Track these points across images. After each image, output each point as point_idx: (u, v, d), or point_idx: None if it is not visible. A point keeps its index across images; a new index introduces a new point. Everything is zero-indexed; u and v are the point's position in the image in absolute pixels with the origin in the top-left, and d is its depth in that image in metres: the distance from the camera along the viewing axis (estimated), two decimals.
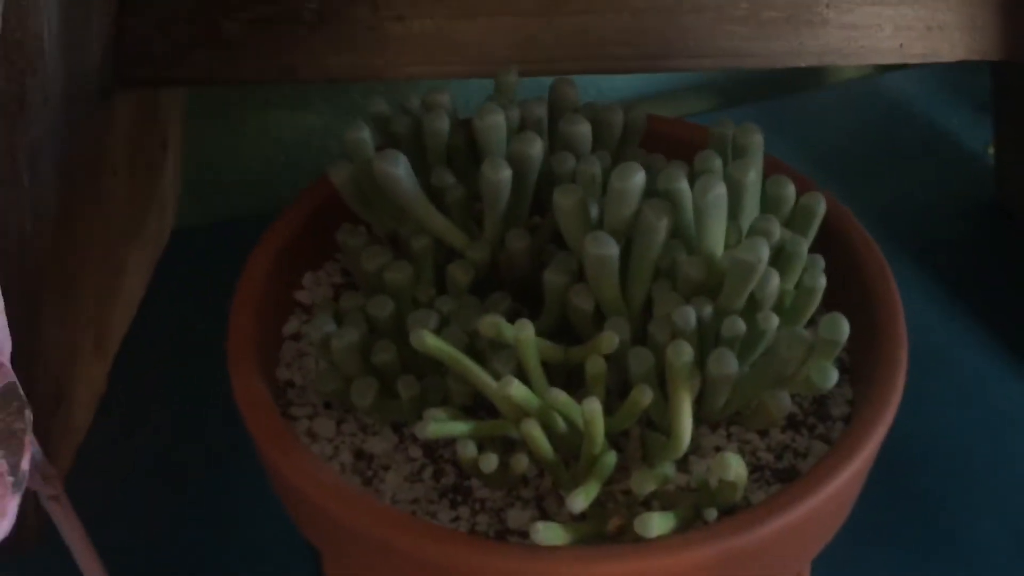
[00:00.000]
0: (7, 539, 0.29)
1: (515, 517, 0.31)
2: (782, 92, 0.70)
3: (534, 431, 0.29)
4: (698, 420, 0.33)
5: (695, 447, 0.33)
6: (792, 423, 0.34)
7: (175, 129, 0.55)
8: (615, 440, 0.32)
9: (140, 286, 0.53)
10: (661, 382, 0.31)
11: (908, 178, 0.62)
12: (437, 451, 0.33)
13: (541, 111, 0.36)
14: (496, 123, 0.34)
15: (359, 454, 0.33)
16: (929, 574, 0.42)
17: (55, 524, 0.36)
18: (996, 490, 0.45)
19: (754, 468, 0.32)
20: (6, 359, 0.32)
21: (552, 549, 0.28)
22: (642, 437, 0.33)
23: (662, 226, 0.31)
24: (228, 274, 0.43)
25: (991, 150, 0.61)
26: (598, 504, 0.31)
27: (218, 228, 0.58)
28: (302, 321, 0.37)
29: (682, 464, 0.32)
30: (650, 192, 0.32)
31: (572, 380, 0.33)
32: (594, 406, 0.29)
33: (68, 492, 0.35)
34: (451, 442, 0.33)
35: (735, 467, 0.28)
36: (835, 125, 0.68)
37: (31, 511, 0.43)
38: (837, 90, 0.71)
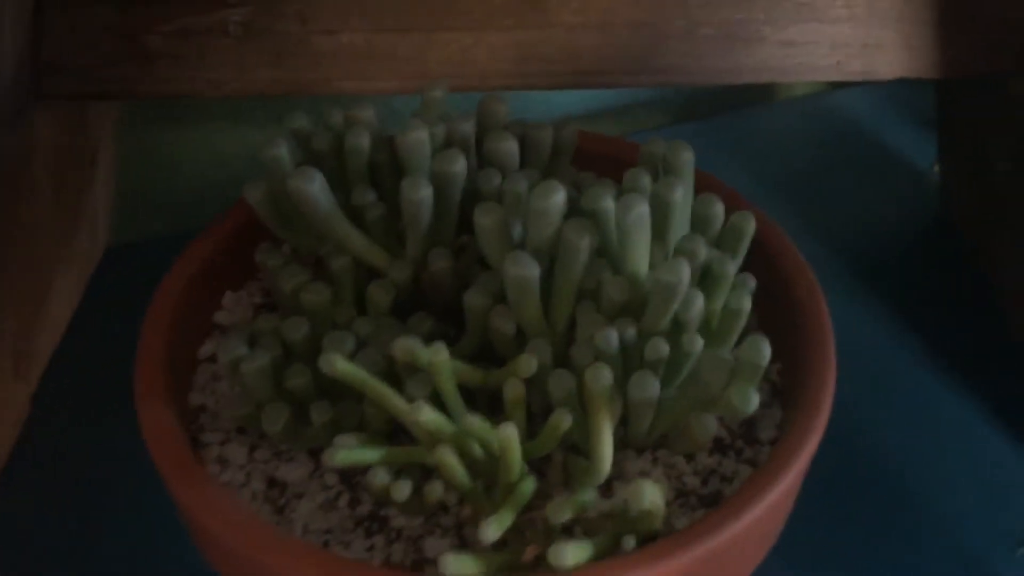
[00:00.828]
0: None
1: (433, 546, 0.30)
2: (731, 108, 0.70)
3: (448, 458, 0.28)
4: (623, 444, 0.32)
5: (619, 472, 0.32)
6: (720, 447, 0.33)
7: (106, 144, 0.54)
8: (537, 465, 0.31)
9: (68, 306, 0.52)
10: (584, 406, 0.30)
11: (855, 194, 0.61)
12: (354, 478, 0.32)
13: (468, 128, 0.35)
14: (419, 140, 0.33)
15: (272, 482, 0.32)
16: None
17: None
18: (941, 512, 0.44)
19: (679, 493, 0.32)
20: None
21: None
22: (564, 462, 0.32)
23: (584, 246, 0.30)
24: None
25: (936, 167, 0.61)
26: (517, 531, 0.30)
27: (155, 244, 0.57)
28: (218, 344, 0.36)
29: (606, 489, 0.31)
30: (576, 211, 0.31)
31: (495, 404, 0.32)
32: (509, 432, 0.28)
33: None
34: (368, 469, 0.32)
35: (649, 495, 0.27)
36: (783, 141, 0.68)
37: None
38: (786, 106, 0.71)
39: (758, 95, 0.72)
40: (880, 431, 0.47)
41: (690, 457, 0.32)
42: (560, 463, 0.32)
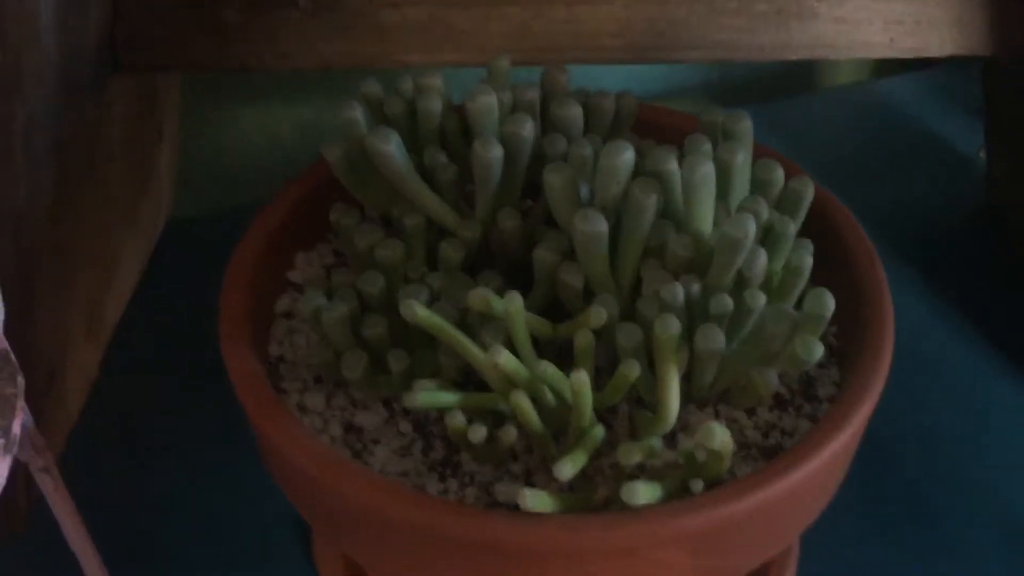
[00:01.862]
0: None
1: (504, 491, 0.31)
2: (776, 97, 0.71)
3: (523, 402, 0.30)
4: (686, 398, 0.33)
5: (683, 425, 0.33)
6: (780, 403, 0.34)
7: (171, 119, 0.55)
8: (604, 417, 0.33)
9: (134, 274, 0.53)
10: (650, 360, 0.32)
11: (901, 181, 0.62)
12: (427, 426, 0.33)
13: (533, 95, 0.36)
14: (488, 104, 0.34)
15: (349, 427, 0.33)
16: (917, 561, 0.42)
17: (46, 500, 0.36)
18: (985, 485, 0.45)
19: (741, 445, 0.33)
20: None
21: (538, 517, 0.28)
22: (630, 414, 0.33)
23: (650, 204, 0.31)
24: (222, 265, 0.43)
25: (982, 154, 0.61)
26: (585, 478, 0.31)
27: (212, 219, 0.58)
28: (294, 299, 0.37)
29: (670, 442, 0.32)
30: (639, 173, 0.32)
31: (561, 357, 0.33)
32: (582, 377, 0.29)
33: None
34: (441, 418, 0.33)
35: (720, 436, 0.28)
36: (829, 129, 0.68)
37: (21, 493, 0.43)
38: (831, 95, 0.72)
39: (802, 83, 0.73)
40: (929, 409, 0.48)
41: (751, 412, 0.34)
42: (627, 415, 0.33)
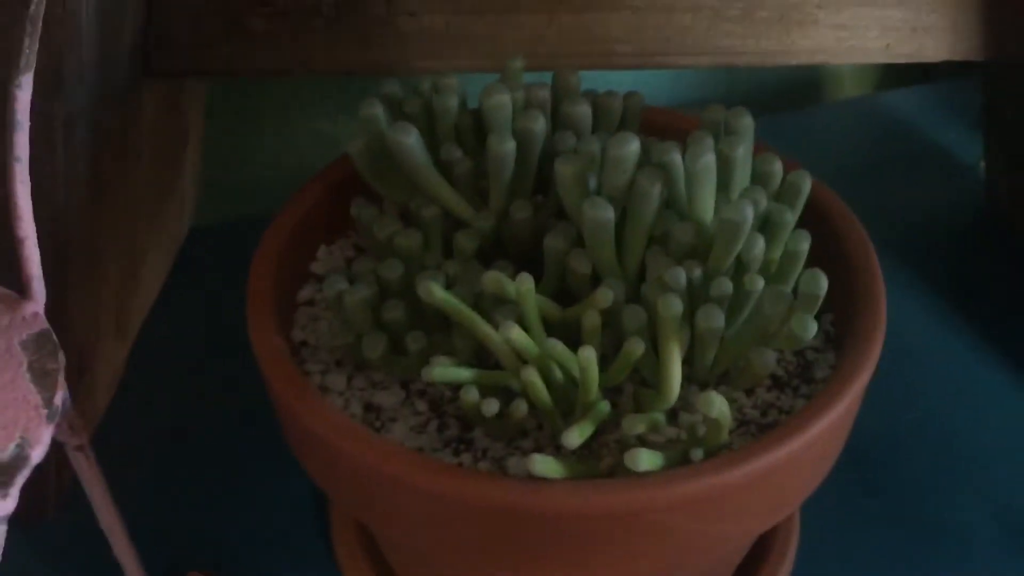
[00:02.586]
0: (28, 508, 0.31)
1: (515, 465, 0.33)
2: (781, 109, 0.72)
3: (533, 377, 0.31)
4: (688, 380, 0.35)
5: (684, 404, 0.34)
6: (777, 384, 0.36)
7: (196, 126, 0.58)
8: (609, 397, 0.34)
9: (159, 276, 0.55)
10: (654, 342, 0.33)
11: (903, 192, 0.64)
12: (442, 406, 0.35)
13: (544, 94, 0.38)
14: (502, 101, 0.36)
15: (368, 407, 0.35)
16: (915, 550, 0.44)
17: (80, 480, 0.38)
18: (981, 480, 0.47)
19: (740, 423, 0.34)
20: (40, 308, 0.34)
21: (548, 482, 0.30)
22: (635, 393, 0.34)
23: (655, 192, 0.33)
24: (241, 273, 0.45)
25: (982, 163, 0.63)
26: (591, 451, 0.33)
27: (230, 228, 0.60)
28: (315, 289, 0.39)
29: (672, 420, 0.34)
30: (645, 165, 0.34)
31: (569, 341, 0.35)
32: (589, 354, 0.31)
33: None
34: (455, 399, 0.35)
35: (718, 404, 0.30)
36: (832, 141, 0.70)
37: (51, 479, 0.45)
38: (835, 108, 0.74)
39: (808, 98, 0.75)
40: (926, 409, 0.50)
41: (750, 392, 0.35)
42: (631, 394, 0.35)
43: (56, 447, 0.35)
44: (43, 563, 0.44)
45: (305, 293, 0.39)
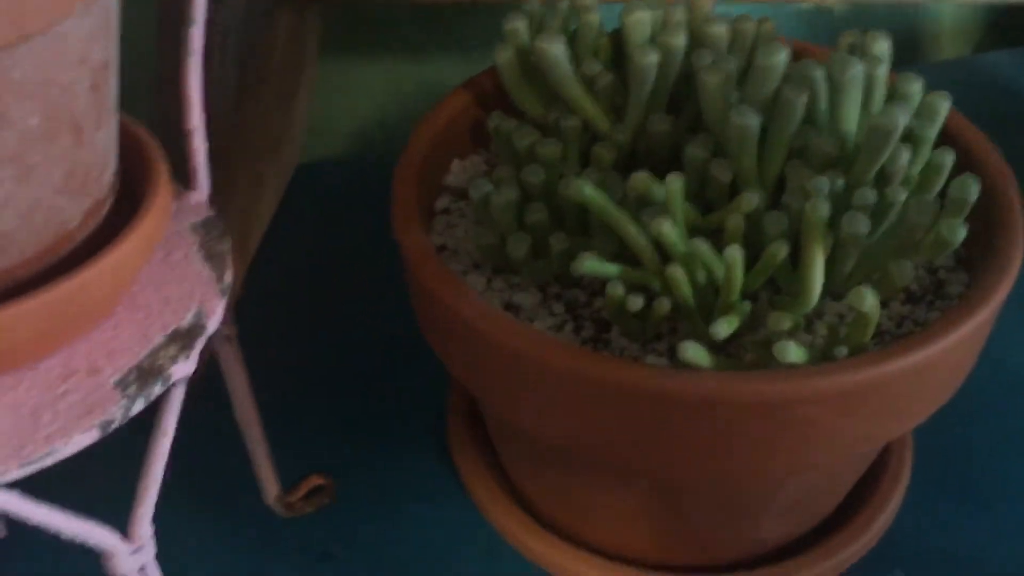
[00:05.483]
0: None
1: (652, 362, 0.34)
2: None
3: (678, 273, 0.32)
4: (824, 289, 0.36)
5: (820, 313, 0.35)
6: (911, 299, 0.36)
7: (312, 62, 0.59)
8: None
9: (271, 206, 0.57)
10: (793, 250, 0.34)
11: (1006, 154, 0.63)
12: (578, 308, 0.36)
13: (681, 15, 0.39)
14: (642, 18, 0.37)
15: (507, 306, 0.36)
16: None
17: (223, 369, 0.39)
18: None
19: (876, 334, 0.35)
20: (205, 198, 0.35)
21: (696, 371, 0.31)
22: (770, 300, 0.35)
23: (800, 103, 0.34)
24: (343, 210, 0.46)
25: None
26: (728, 353, 0.34)
27: (331, 167, 0.62)
28: (451, 200, 0.40)
29: (807, 329, 0.35)
30: (789, 77, 0.35)
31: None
32: (734, 252, 0.32)
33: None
34: (590, 302, 0.36)
35: (870, 299, 0.31)
36: None
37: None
38: (933, 69, 0.73)
39: (906, 57, 0.75)
40: None
41: (884, 304, 0.36)
42: (766, 301, 0.35)
43: None
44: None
45: (441, 203, 0.40)
